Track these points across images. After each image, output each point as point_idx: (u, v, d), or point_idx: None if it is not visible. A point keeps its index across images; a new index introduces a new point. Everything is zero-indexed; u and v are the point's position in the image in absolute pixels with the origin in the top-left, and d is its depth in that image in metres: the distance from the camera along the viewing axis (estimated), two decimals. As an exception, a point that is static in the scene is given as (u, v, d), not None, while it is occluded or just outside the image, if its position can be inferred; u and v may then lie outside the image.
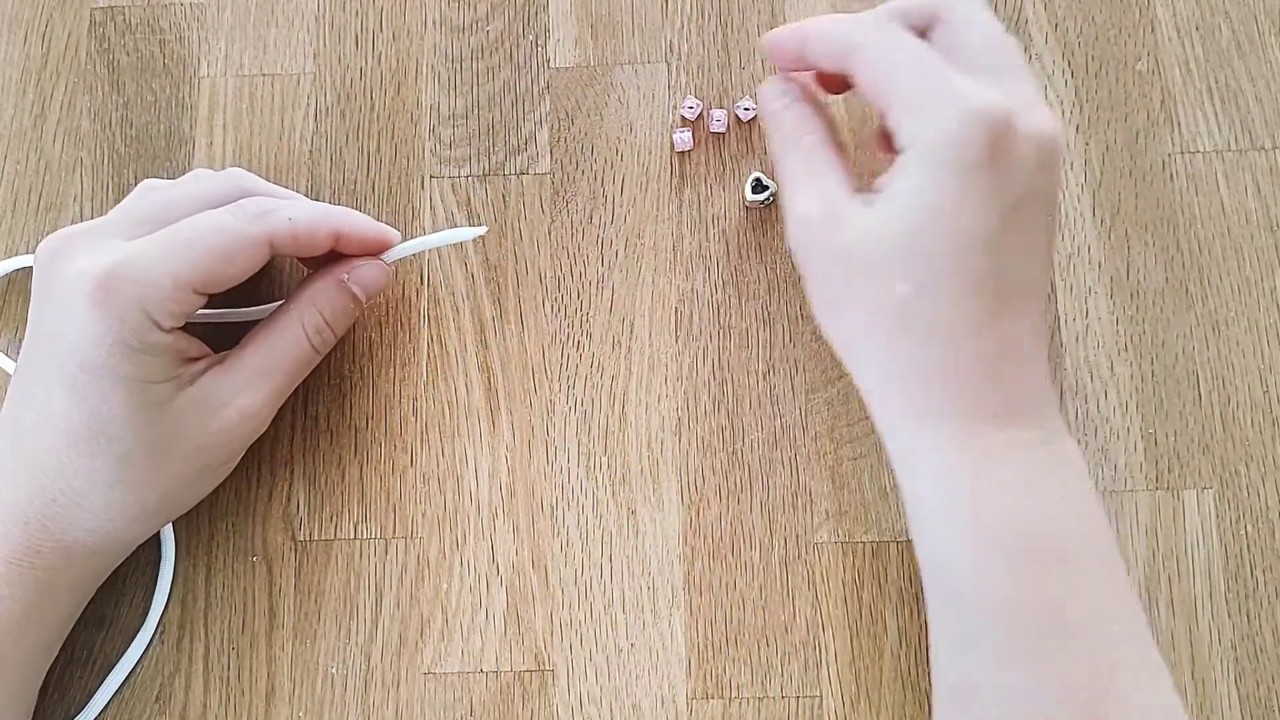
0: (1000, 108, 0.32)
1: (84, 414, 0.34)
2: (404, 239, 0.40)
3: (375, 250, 0.39)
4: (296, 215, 0.37)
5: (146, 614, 0.40)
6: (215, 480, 0.39)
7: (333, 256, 0.39)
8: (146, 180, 0.39)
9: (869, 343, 0.34)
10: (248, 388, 0.37)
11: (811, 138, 0.36)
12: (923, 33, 0.35)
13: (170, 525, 0.40)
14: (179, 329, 0.36)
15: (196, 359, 0.37)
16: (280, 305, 0.39)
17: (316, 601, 0.40)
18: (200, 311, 0.40)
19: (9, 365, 0.42)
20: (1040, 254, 0.34)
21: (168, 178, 0.44)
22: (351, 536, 0.41)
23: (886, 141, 0.36)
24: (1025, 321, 0.34)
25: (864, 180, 0.36)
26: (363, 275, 0.39)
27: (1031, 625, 0.31)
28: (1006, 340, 0.33)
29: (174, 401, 0.36)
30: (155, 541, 0.41)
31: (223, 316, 0.41)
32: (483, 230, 0.40)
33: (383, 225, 0.39)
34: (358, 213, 0.39)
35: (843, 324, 0.35)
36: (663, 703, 0.39)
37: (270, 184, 0.40)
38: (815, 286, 0.36)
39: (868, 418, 0.41)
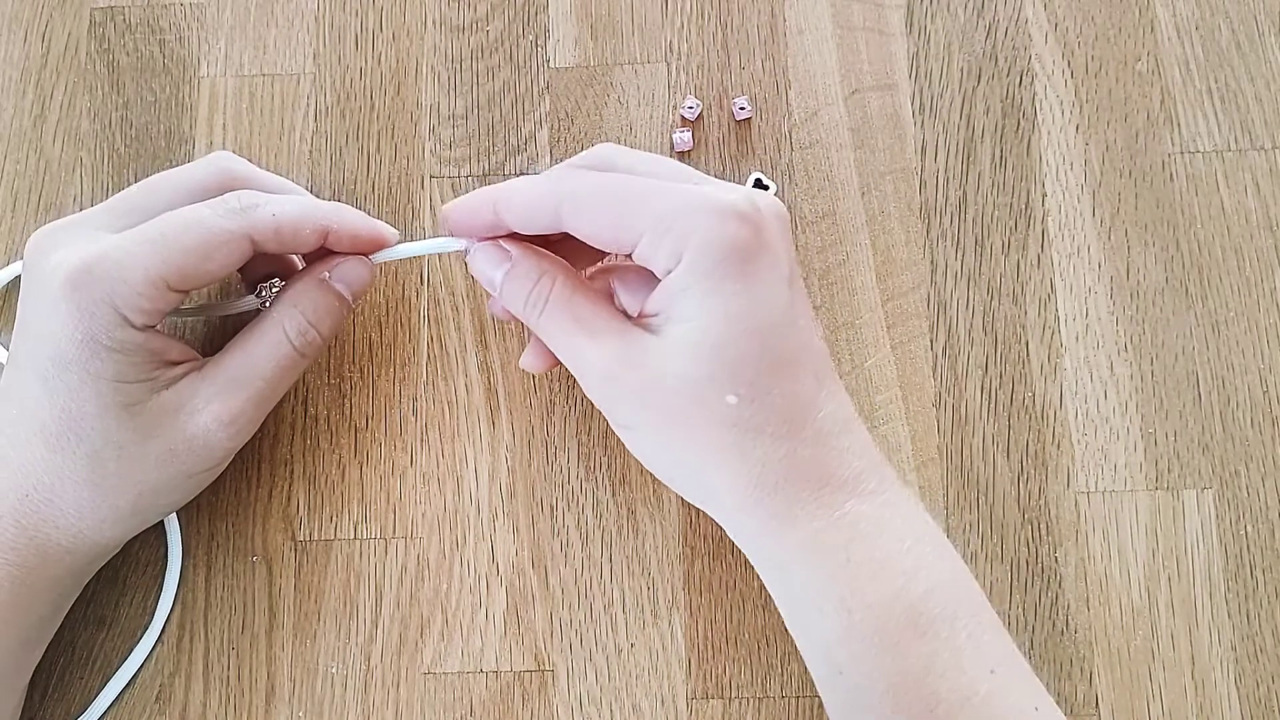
0: (742, 197, 0.33)
1: (54, 409, 0.34)
2: (403, 238, 0.39)
3: (368, 249, 0.38)
4: (281, 210, 0.35)
5: (147, 615, 0.40)
6: (195, 488, 0.38)
7: (326, 253, 0.38)
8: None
9: (713, 464, 0.33)
10: (224, 393, 0.36)
11: (562, 287, 0.35)
12: None
13: (178, 528, 0.40)
14: (154, 329, 0.35)
15: (177, 363, 0.36)
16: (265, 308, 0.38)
17: (316, 601, 0.40)
18: (183, 308, 0.40)
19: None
20: (815, 320, 0.35)
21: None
22: (351, 536, 0.41)
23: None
24: (838, 384, 0.34)
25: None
26: (345, 273, 0.37)
27: (921, 700, 0.31)
28: (835, 407, 0.34)
29: (147, 404, 0.35)
30: (157, 541, 0.40)
31: (206, 311, 0.41)
32: (468, 244, 0.37)
33: (377, 222, 0.38)
34: (350, 209, 0.38)
35: (678, 455, 0.34)
36: (663, 703, 0.39)
37: (264, 172, 0.38)
38: (638, 431, 0.34)
39: (868, 418, 0.41)
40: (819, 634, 0.33)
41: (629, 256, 0.34)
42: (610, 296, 0.37)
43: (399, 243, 0.38)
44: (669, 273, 0.33)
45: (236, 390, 0.36)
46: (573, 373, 0.35)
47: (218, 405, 0.36)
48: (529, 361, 0.38)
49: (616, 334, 0.34)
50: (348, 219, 0.37)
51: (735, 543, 0.35)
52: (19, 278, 0.43)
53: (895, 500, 0.33)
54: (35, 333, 0.34)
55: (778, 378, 0.33)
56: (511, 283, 0.36)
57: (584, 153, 0.37)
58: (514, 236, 0.36)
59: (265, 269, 0.39)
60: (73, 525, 0.35)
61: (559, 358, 0.36)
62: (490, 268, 0.36)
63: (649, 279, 0.35)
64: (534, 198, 0.35)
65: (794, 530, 0.33)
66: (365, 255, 0.38)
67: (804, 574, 0.33)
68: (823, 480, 0.33)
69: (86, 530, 0.35)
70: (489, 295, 0.40)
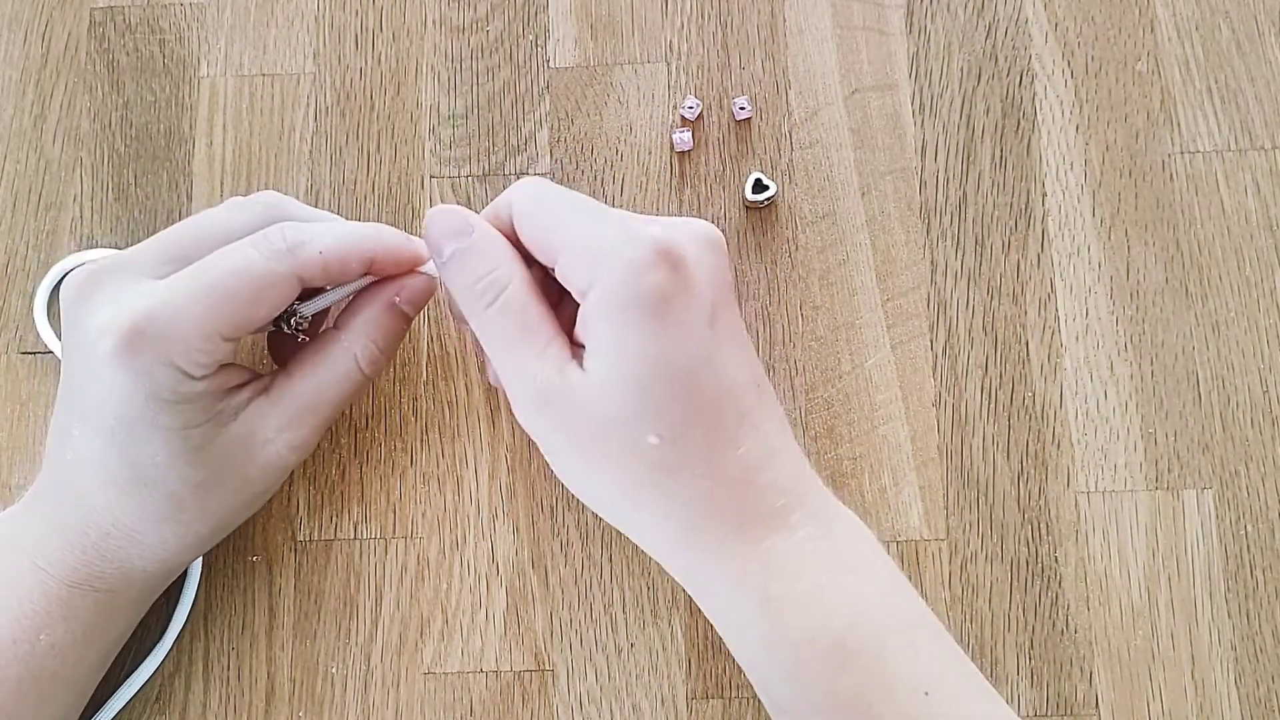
0: (657, 231, 0.32)
1: (124, 461, 0.33)
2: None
3: (410, 267, 0.37)
4: (327, 247, 0.34)
5: (164, 624, 0.40)
6: (264, 501, 0.38)
7: None
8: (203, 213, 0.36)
9: (636, 501, 0.33)
10: (295, 422, 0.36)
11: (519, 285, 0.33)
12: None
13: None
14: (213, 372, 0.34)
15: (239, 387, 0.35)
16: (327, 331, 0.37)
17: (316, 601, 0.40)
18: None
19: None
20: (748, 345, 0.34)
21: (167, 178, 0.44)
22: (351, 536, 0.41)
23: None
24: (767, 414, 0.34)
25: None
26: (414, 295, 0.37)
27: None
28: (759, 441, 0.33)
29: (216, 440, 0.34)
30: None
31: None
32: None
33: (415, 240, 0.37)
34: (390, 230, 0.36)
35: (603, 489, 0.34)
36: (663, 703, 0.39)
37: (307, 208, 0.37)
38: (564, 460, 0.34)
39: (868, 418, 0.41)
40: (755, 671, 0.34)
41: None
42: (555, 310, 0.36)
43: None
44: (583, 298, 0.32)
45: (307, 417, 0.36)
46: (504, 383, 0.34)
47: (290, 434, 0.36)
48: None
49: (559, 358, 0.33)
50: (390, 245, 0.36)
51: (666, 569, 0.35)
52: (9, 272, 0.43)
53: (819, 534, 0.33)
54: (91, 391, 0.33)
55: (698, 418, 0.32)
56: (464, 261, 0.34)
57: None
58: None
59: None
60: (157, 554, 0.35)
61: (493, 362, 0.34)
62: (444, 235, 0.34)
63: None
64: (495, 203, 0.35)
65: (716, 568, 0.33)
66: (413, 270, 0.37)
67: (729, 612, 0.33)
68: (742, 518, 0.33)
69: (170, 556, 0.36)
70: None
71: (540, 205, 0.34)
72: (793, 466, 0.34)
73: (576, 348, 0.33)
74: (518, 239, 0.35)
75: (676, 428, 0.32)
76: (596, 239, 0.32)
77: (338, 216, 0.39)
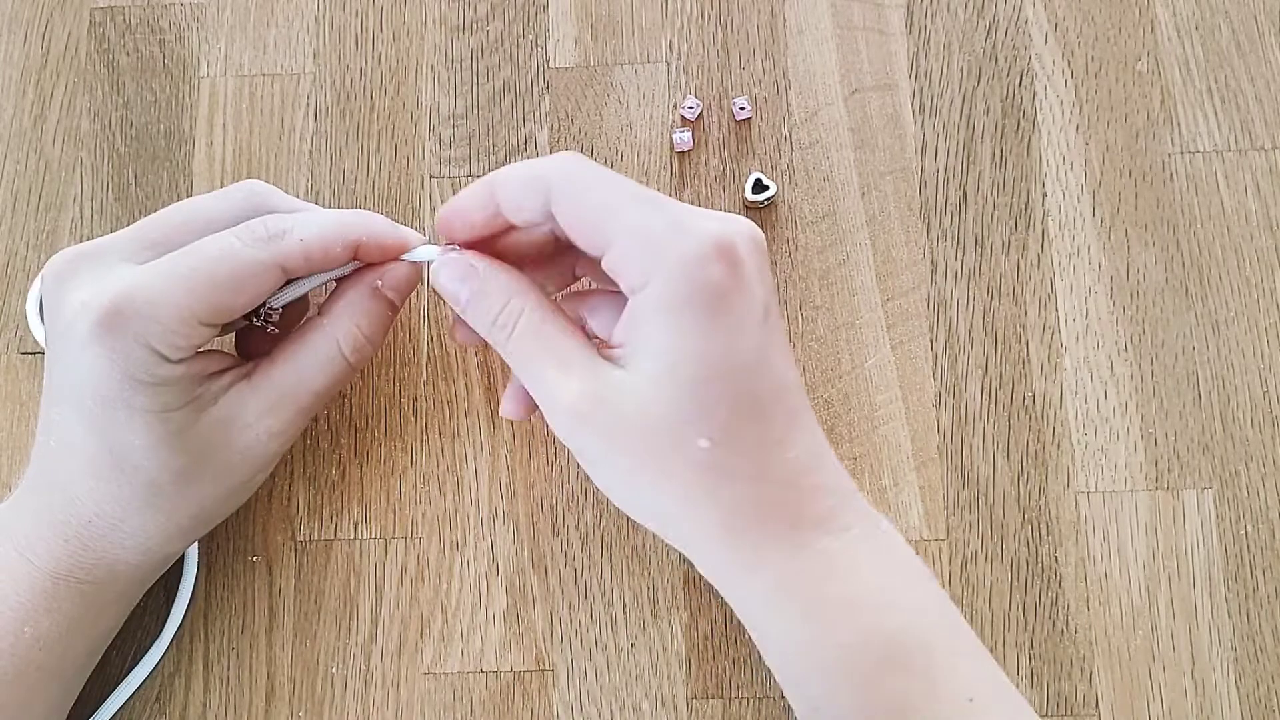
0: (720, 228, 0.31)
1: (103, 446, 0.33)
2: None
3: (397, 254, 0.36)
4: (308, 234, 0.34)
5: (153, 619, 0.40)
6: (249, 491, 0.38)
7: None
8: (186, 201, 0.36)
9: (683, 506, 0.32)
10: (275, 408, 0.35)
11: (532, 310, 0.33)
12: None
13: (195, 544, 0.40)
14: (191, 356, 0.34)
15: (219, 372, 0.35)
16: (311, 318, 0.37)
17: (316, 601, 0.40)
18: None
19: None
20: (790, 350, 0.34)
21: (167, 178, 0.44)
22: (351, 536, 0.41)
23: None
24: (811, 416, 0.34)
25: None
26: (395, 279, 0.36)
27: None
28: (808, 444, 0.33)
29: (196, 426, 0.34)
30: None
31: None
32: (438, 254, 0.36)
33: (401, 228, 0.37)
34: (375, 217, 0.36)
35: (646, 495, 0.33)
36: (663, 703, 0.39)
37: (290, 197, 0.37)
38: (604, 469, 0.33)
39: (868, 418, 0.41)
40: (793, 671, 0.33)
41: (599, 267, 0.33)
42: (582, 325, 0.36)
43: (423, 243, 0.37)
44: (634, 293, 0.32)
45: (287, 404, 0.36)
46: (538, 403, 0.34)
47: (270, 420, 0.35)
48: (508, 408, 0.36)
49: (587, 367, 0.32)
50: (375, 231, 0.36)
51: (707, 579, 0.35)
52: (9, 273, 0.43)
53: (867, 534, 0.33)
54: (69, 373, 0.33)
55: (750, 420, 0.32)
56: (479, 301, 0.34)
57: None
58: (484, 249, 0.35)
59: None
60: (140, 545, 0.35)
61: (525, 386, 0.34)
62: (455, 282, 0.34)
63: (620, 309, 0.33)
64: (528, 177, 0.33)
65: (765, 571, 0.32)
66: (396, 258, 0.37)
67: (775, 614, 0.33)
68: (793, 520, 0.32)
69: (153, 547, 0.36)
70: (453, 319, 0.37)
71: (587, 190, 0.32)
72: (837, 468, 0.34)
73: (612, 347, 0.33)
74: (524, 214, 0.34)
75: (729, 429, 0.31)
76: (652, 232, 0.31)
77: (319, 207, 0.38)
